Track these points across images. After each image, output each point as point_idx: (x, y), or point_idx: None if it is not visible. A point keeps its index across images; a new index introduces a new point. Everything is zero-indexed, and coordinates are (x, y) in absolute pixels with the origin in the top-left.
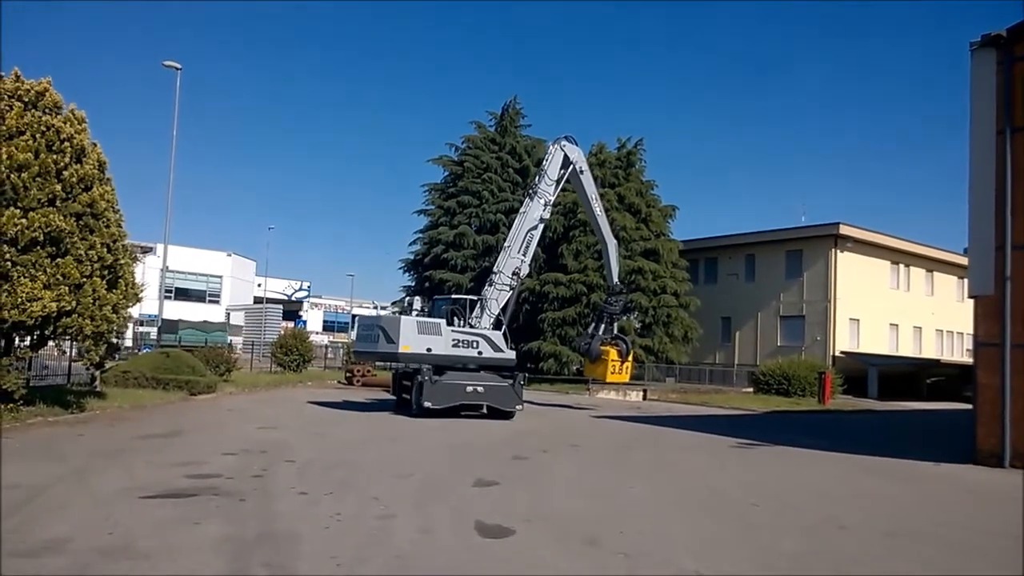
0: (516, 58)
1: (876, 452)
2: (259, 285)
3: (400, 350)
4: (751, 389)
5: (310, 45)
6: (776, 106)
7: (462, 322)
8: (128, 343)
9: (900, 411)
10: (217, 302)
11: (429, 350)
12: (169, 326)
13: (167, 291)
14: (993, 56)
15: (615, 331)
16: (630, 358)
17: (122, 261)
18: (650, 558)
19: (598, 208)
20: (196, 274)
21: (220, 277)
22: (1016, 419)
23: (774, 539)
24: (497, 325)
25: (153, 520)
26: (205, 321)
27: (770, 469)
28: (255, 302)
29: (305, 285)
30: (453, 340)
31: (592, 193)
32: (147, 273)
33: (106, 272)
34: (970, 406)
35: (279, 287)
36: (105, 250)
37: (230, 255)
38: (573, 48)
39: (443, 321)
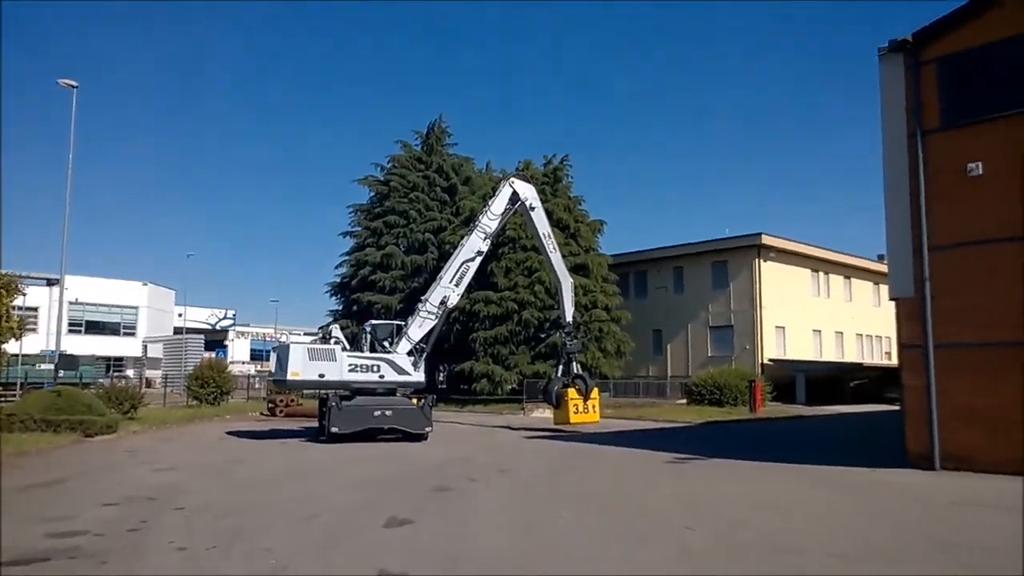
0: (441, 76)
1: (809, 460)
2: (180, 315)
3: (289, 377)
4: (685, 401)
5: (231, 64)
6: (697, 118)
7: (382, 348)
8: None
9: (828, 415)
10: (133, 334)
11: (322, 376)
12: (69, 362)
13: (76, 324)
14: (901, 60)
15: (576, 370)
16: (594, 395)
17: None
18: None
19: (551, 245)
20: (109, 306)
21: (136, 308)
22: (943, 420)
23: (714, 567)
24: (413, 351)
25: None
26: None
27: (706, 485)
28: (175, 333)
29: (230, 313)
30: (351, 365)
31: (544, 230)
32: (52, 307)
33: None
34: (893, 407)
35: (202, 316)
36: None
37: (146, 284)
38: (499, 66)
39: (338, 347)
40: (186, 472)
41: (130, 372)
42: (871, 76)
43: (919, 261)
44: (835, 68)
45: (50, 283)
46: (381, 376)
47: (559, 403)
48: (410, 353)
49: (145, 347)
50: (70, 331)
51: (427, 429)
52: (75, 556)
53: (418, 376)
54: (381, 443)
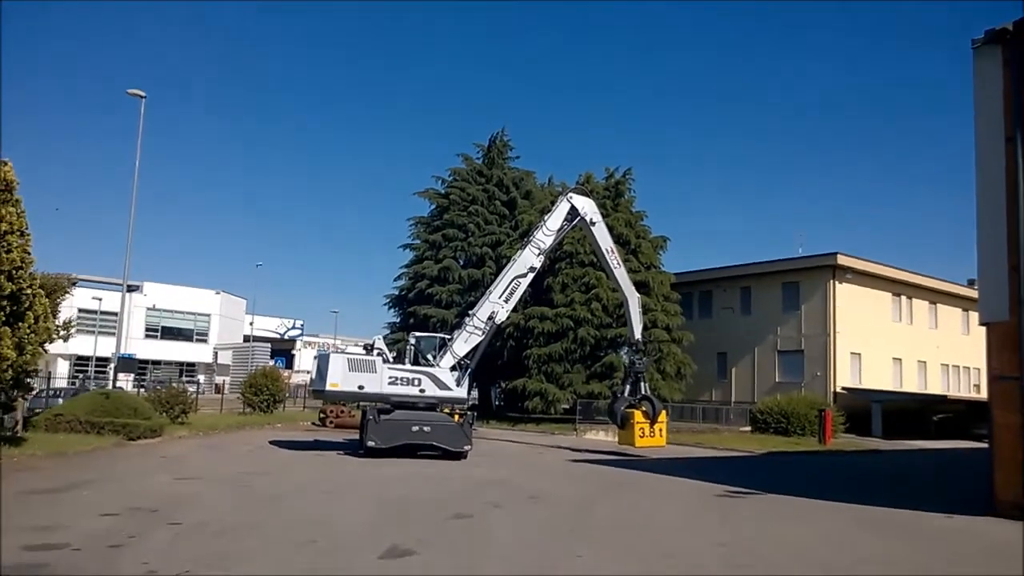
0: (505, 90)
1: (881, 501)
2: (251, 323)
3: (328, 387)
4: (748, 428)
5: (298, 80)
6: (769, 133)
7: (426, 361)
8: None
9: (906, 451)
10: (205, 341)
11: (361, 388)
12: (127, 365)
13: (153, 330)
14: (999, 53)
15: (643, 391)
16: (661, 419)
17: (28, 291)
18: None
19: (614, 260)
20: (184, 312)
21: (208, 315)
22: None
23: None
24: (457, 367)
25: None
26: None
27: (757, 527)
28: (245, 341)
29: (298, 323)
30: (391, 378)
31: (607, 245)
32: (132, 312)
33: (5, 303)
34: (981, 444)
35: (271, 325)
36: (4, 278)
37: (219, 293)
38: (563, 79)
39: (379, 359)
40: (207, 483)
41: (201, 378)
42: (963, 74)
43: (1015, 281)
44: (919, 67)
45: (130, 289)
46: (422, 390)
47: (624, 424)
48: (454, 368)
49: (216, 354)
50: (147, 336)
51: (466, 447)
52: (39, 573)
53: (460, 392)
54: (418, 460)
